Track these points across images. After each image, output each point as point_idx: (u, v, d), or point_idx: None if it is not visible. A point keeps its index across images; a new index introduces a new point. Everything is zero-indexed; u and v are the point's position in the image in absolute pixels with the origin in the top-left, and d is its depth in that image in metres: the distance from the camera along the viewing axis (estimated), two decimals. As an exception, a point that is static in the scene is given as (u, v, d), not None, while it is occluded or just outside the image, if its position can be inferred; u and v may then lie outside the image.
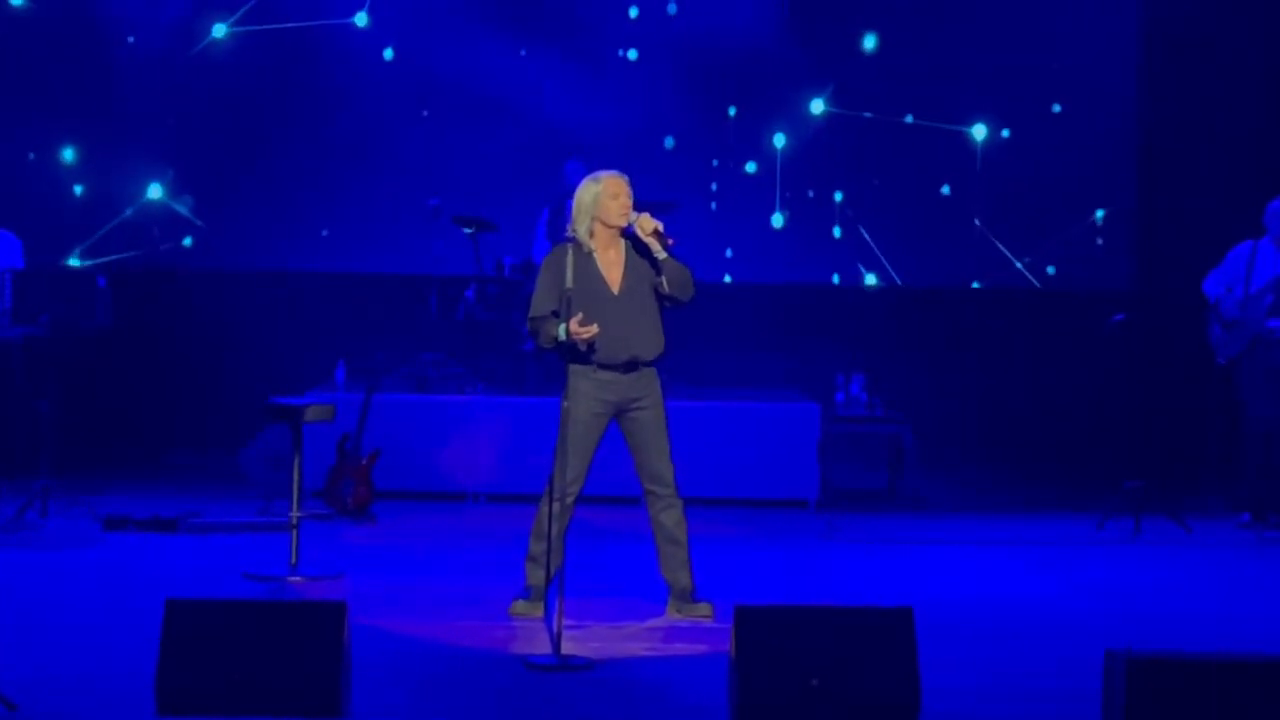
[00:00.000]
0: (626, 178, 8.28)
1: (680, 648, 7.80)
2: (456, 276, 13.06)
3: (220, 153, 13.96)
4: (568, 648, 7.45)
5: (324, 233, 14.10)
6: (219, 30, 13.61)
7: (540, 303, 8.24)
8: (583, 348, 8.07)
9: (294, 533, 9.19)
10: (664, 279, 8.21)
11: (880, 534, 11.13)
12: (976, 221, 14.03)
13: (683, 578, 8.37)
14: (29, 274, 10.94)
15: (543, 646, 7.58)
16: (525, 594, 8.36)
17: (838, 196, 14.15)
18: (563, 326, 8.01)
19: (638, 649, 7.75)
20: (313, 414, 9.34)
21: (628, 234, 8.28)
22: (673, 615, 8.35)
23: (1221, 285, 11.54)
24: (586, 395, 8.13)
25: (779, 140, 14.06)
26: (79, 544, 10.09)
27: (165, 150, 13.95)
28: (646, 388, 8.27)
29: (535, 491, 8.43)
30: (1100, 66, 14.09)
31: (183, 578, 9.12)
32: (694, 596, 8.38)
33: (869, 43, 14.05)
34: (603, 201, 8.22)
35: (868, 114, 13.86)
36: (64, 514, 10.67)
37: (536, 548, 8.27)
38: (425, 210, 13.06)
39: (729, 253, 14.30)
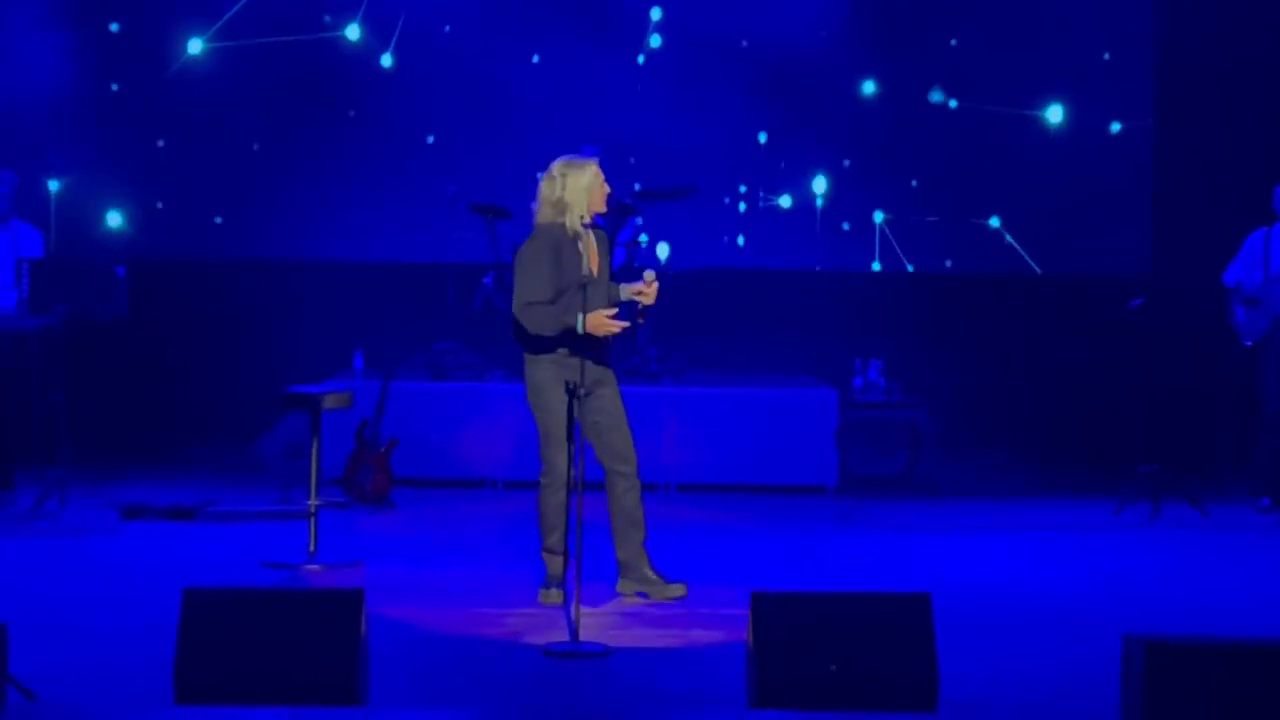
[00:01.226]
0: None
1: (697, 635, 7.79)
2: (474, 264, 13.05)
3: (237, 142, 13.93)
4: (585, 635, 7.46)
5: (337, 222, 14.05)
6: (195, 45, 13.50)
7: (544, 287, 8.18)
8: (603, 334, 8.06)
9: (312, 521, 9.19)
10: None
11: (898, 520, 11.12)
12: (995, 221, 13.98)
13: (641, 562, 8.39)
14: (46, 263, 10.89)
15: (560, 634, 7.59)
16: (547, 584, 8.38)
17: (878, 218, 14.01)
18: (581, 316, 8.00)
19: (655, 636, 7.75)
20: (331, 401, 9.33)
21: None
22: (626, 594, 8.36)
23: (1242, 274, 11.54)
24: (559, 381, 8.06)
25: (819, 185, 13.87)
26: (97, 533, 10.11)
27: (177, 143, 13.92)
28: (606, 373, 8.34)
29: (552, 478, 8.43)
30: (1116, 58, 14.02)
31: (201, 566, 9.14)
32: (666, 578, 8.42)
33: (935, 96, 13.90)
34: (594, 190, 8.24)
35: (935, 96, 13.76)
36: (82, 503, 10.69)
37: (550, 540, 8.29)
38: (443, 198, 13.05)
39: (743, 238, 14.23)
